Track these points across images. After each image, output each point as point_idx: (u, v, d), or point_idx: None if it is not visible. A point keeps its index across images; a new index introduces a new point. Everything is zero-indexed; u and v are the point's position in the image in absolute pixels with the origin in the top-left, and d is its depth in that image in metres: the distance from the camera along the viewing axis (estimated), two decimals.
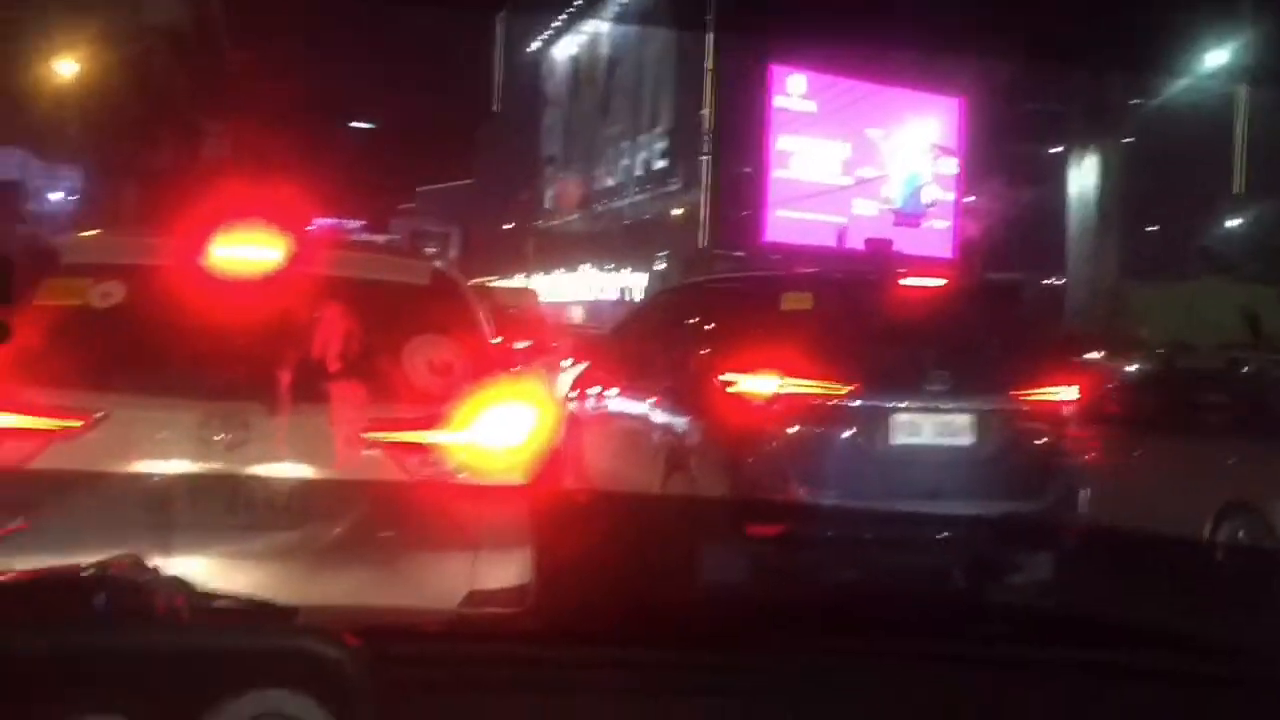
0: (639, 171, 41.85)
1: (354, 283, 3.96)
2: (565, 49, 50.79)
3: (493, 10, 57.62)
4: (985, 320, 6.72)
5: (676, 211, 37.80)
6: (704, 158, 36.54)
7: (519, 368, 4.96)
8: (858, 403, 5.97)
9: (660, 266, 38.81)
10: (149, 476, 3.57)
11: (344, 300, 3.78)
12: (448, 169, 67.19)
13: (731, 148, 35.32)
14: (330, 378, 3.64)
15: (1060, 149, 31.58)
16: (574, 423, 7.80)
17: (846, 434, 5.97)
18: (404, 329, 3.83)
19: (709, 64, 35.26)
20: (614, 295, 40.79)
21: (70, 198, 26.32)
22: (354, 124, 74.62)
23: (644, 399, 7.10)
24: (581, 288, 43.15)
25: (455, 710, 1.43)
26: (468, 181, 65.27)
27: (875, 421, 5.97)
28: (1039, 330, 7.37)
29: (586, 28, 47.72)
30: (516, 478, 3.81)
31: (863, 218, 35.33)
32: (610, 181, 44.65)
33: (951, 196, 37.25)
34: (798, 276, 7.71)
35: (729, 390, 6.07)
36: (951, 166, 37.39)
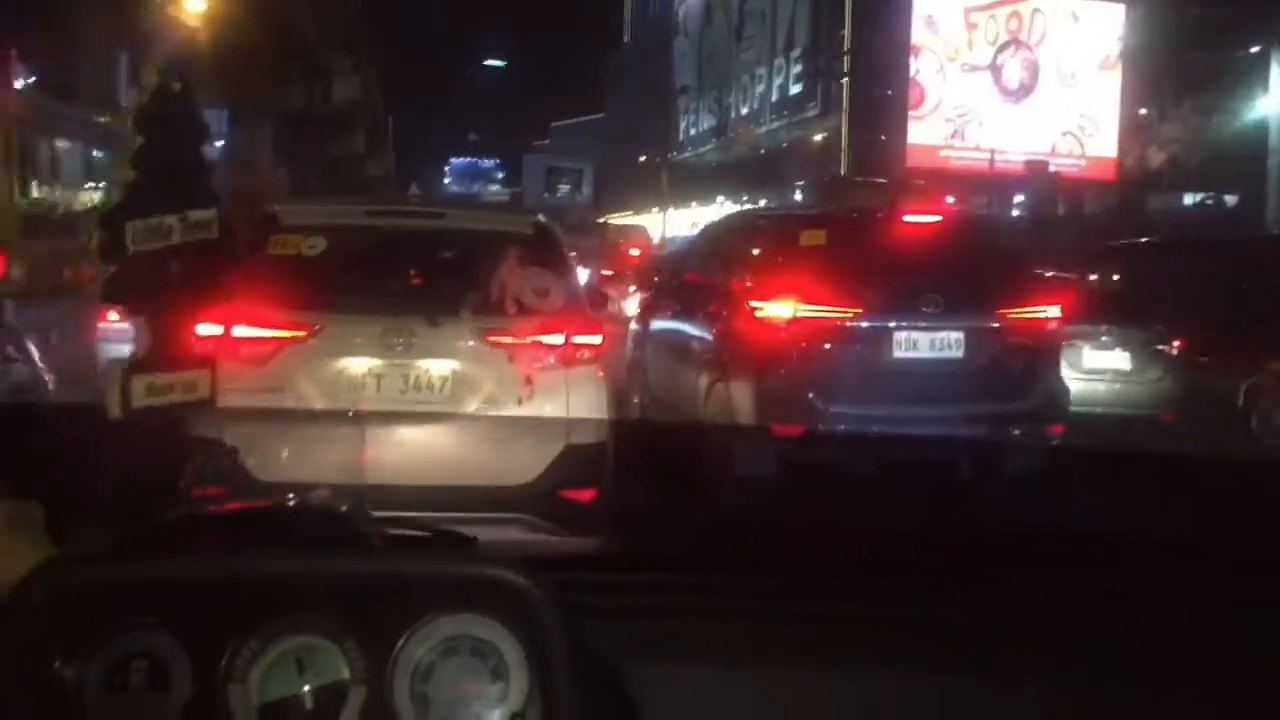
0: (775, 98, 40.30)
1: (480, 233, 5.71)
2: None
3: None
4: (976, 249, 7.66)
5: (821, 136, 36.18)
6: (843, 80, 34.82)
7: (602, 292, 7.49)
8: (863, 323, 6.95)
9: (798, 196, 37.49)
10: (351, 366, 5.18)
11: (474, 245, 5.58)
12: (580, 104, 66.63)
13: (872, 69, 33.54)
14: (466, 300, 5.28)
15: (1243, 52, 29.17)
16: (637, 337, 9.35)
17: (854, 349, 6.94)
18: (516, 265, 5.34)
19: None
20: None
21: (217, 144, 26.57)
22: (486, 62, 74.62)
23: (688, 319, 8.25)
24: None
25: (631, 634, 1.52)
26: (599, 116, 64.53)
27: (879, 338, 6.95)
28: (1025, 257, 8.36)
29: None
30: (594, 367, 5.37)
31: (1017, 137, 33.41)
32: (745, 109, 43.22)
33: (1115, 111, 34.85)
34: (814, 216, 9.48)
35: (757, 314, 7.10)
36: (1114, 78, 34.96)
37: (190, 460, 1.85)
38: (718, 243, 9.07)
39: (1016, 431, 7.05)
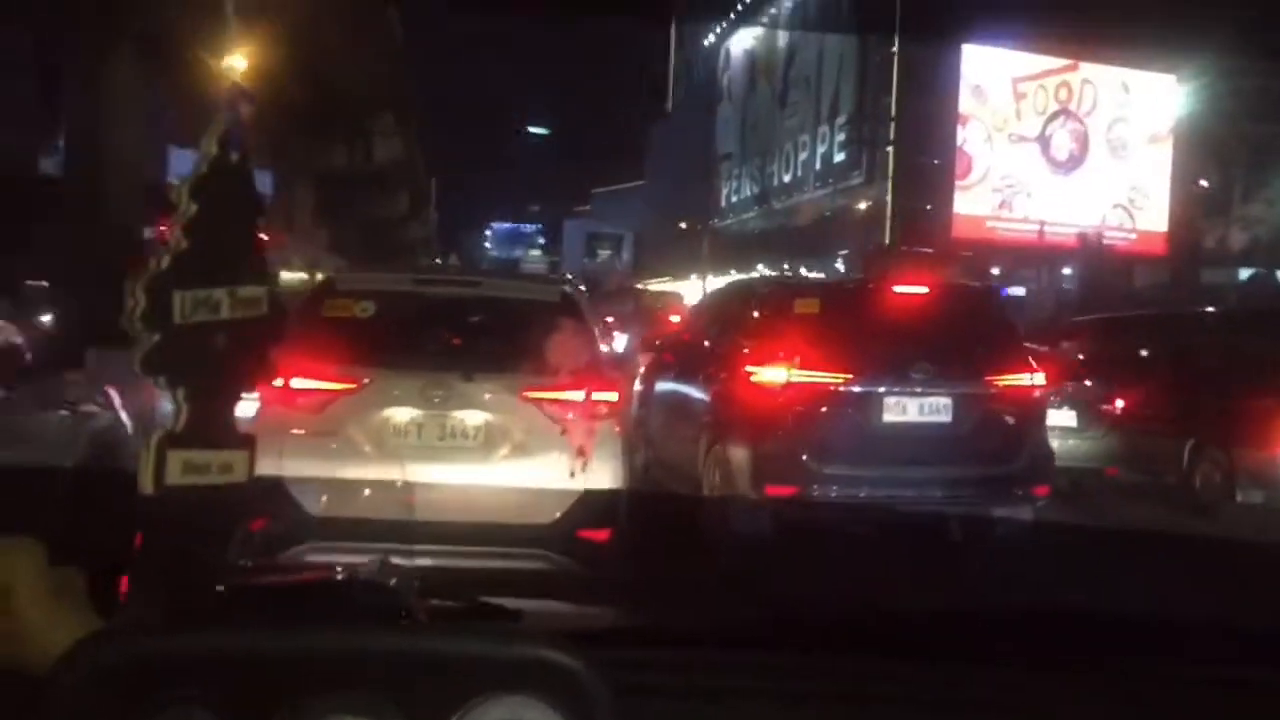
0: (818, 165, 39.96)
1: (512, 300, 6.38)
2: (740, 42, 49.30)
3: (666, 9, 56.89)
4: (963, 319, 7.91)
5: (865, 205, 35.68)
6: (888, 148, 34.42)
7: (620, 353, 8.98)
8: (855, 388, 7.29)
9: (840, 265, 36.98)
10: (396, 415, 5.72)
11: (506, 310, 6.24)
12: (622, 171, 66.88)
13: (918, 138, 33.14)
14: (498, 359, 5.91)
15: None
16: (642, 397, 9.73)
17: (846, 413, 7.27)
18: (544, 329, 5.95)
19: (895, 46, 33.10)
20: None
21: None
22: (530, 129, 75.27)
23: (689, 382, 8.68)
24: None
25: (681, 715, 1.53)
26: (640, 183, 64.67)
27: (869, 403, 7.28)
28: (1012, 326, 8.49)
29: (763, 18, 46.14)
30: (611, 422, 5.90)
31: (1065, 208, 32.81)
32: (788, 177, 42.92)
33: (1166, 183, 34.21)
34: (808, 286, 10.67)
35: (752, 379, 7.48)
36: (1165, 151, 34.36)
37: (240, 529, 1.83)
38: (718, 309, 9.74)
39: (1003, 494, 7.46)
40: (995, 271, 33.09)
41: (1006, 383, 7.57)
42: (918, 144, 33.00)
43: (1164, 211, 34.28)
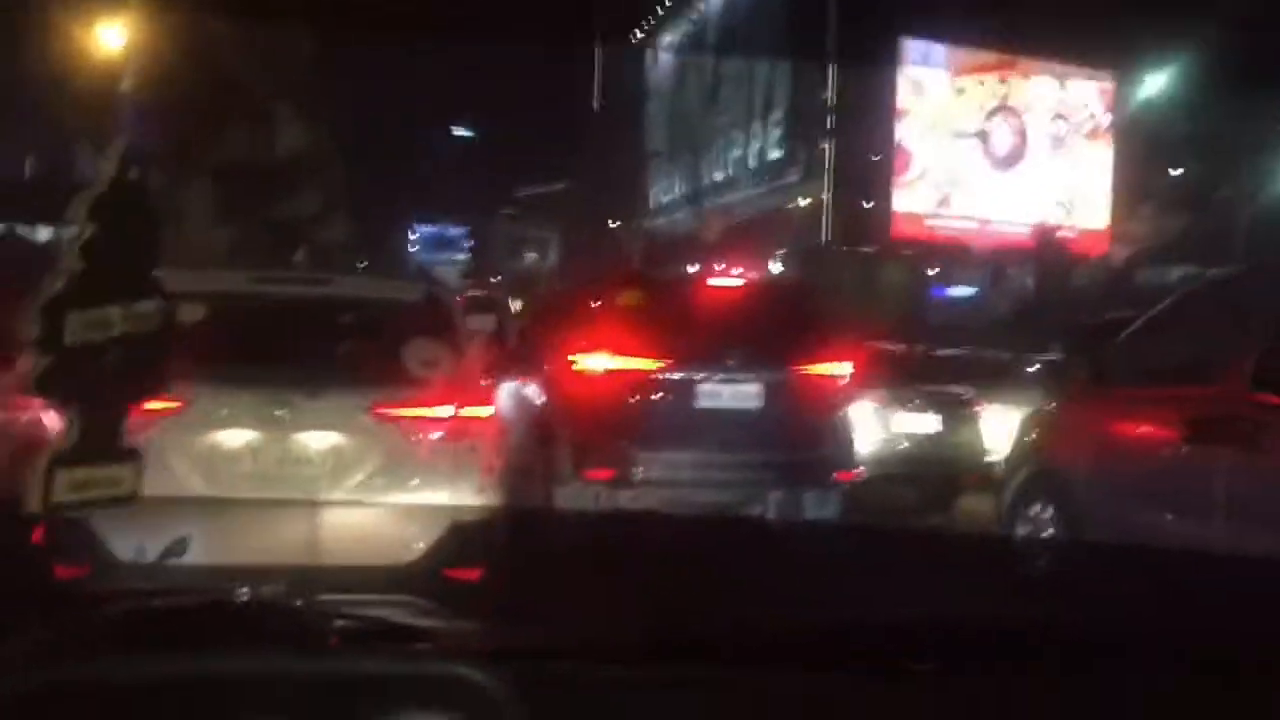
0: (752, 163, 38.60)
1: (368, 301, 5.81)
2: (668, 37, 47.90)
3: (591, 4, 55.42)
4: (776, 311, 8.17)
5: (802, 203, 34.40)
6: (826, 145, 33.16)
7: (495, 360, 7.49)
8: (671, 375, 7.56)
9: (777, 267, 35.67)
10: (226, 440, 5.01)
11: (361, 314, 5.74)
12: (548, 171, 65.27)
13: (856, 133, 31.94)
14: (350, 370, 5.34)
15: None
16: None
17: (662, 398, 7.53)
18: (406, 334, 5.29)
19: (830, 40, 31.84)
20: None
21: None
22: (455, 130, 73.34)
23: (544, 376, 8.46)
24: None
25: None
26: (566, 184, 63.23)
27: (684, 389, 7.55)
28: (821, 316, 8.68)
29: (691, 13, 44.74)
30: (483, 440, 5.31)
31: (1006, 206, 31.86)
32: (720, 175, 41.53)
33: (1107, 181, 33.43)
34: (632, 278, 10.76)
35: (574, 367, 7.67)
36: (1105, 148, 33.60)
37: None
38: (562, 305, 10.19)
39: (809, 476, 7.64)
40: (931, 272, 32.21)
41: (814, 371, 7.90)
42: (855, 140, 31.80)
43: (1104, 209, 33.52)
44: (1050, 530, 6.81)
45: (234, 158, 21.60)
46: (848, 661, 1.71)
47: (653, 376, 7.55)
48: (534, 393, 8.55)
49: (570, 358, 7.77)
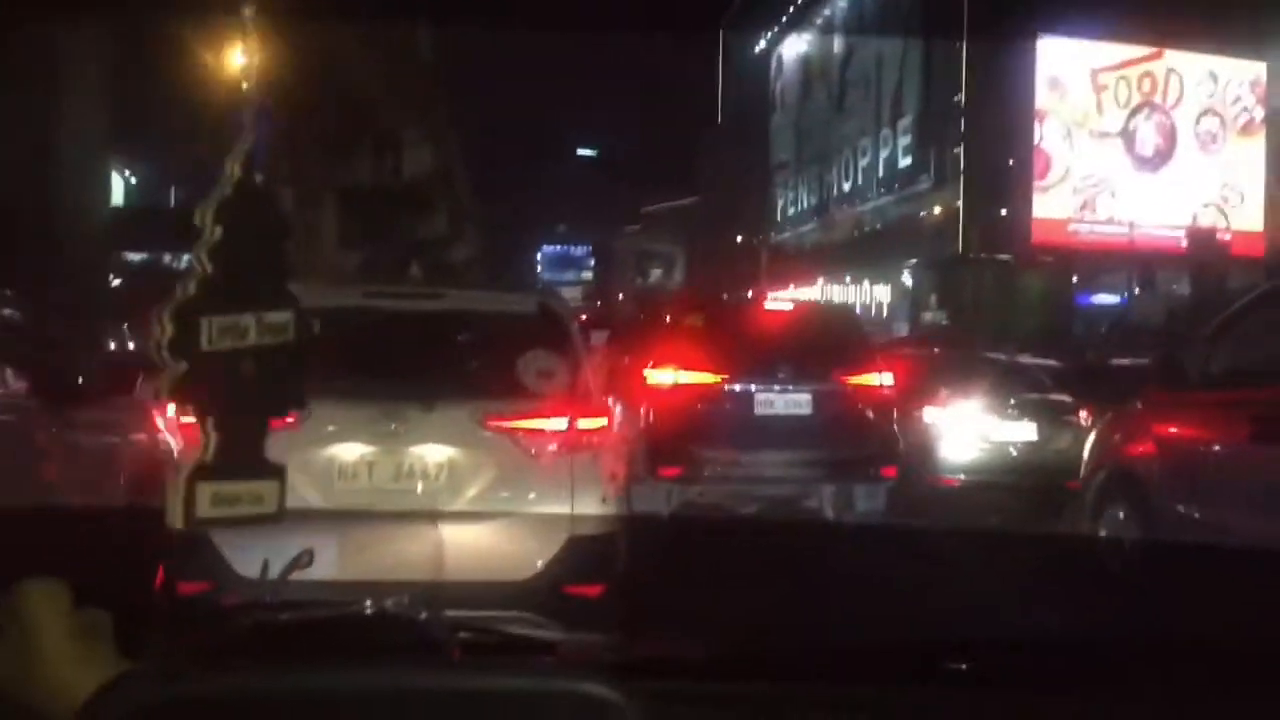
0: (881, 171, 37.61)
1: (481, 314, 5.71)
2: (792, 47, 47.16)
3: (713, 19, 55.06)
4: (820, 329, 9.55)
5: (935, 211, 33.30)
6: (958, 149, 32.03)
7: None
8: (731, 386, 8.67)
9: (908, 278, 34.65)
10: (341, 453, 4.91)
11: (474, 326, 5.67)
12: (673, 187, 65.13)
13: (991, 136, 30.74)
14: (465, 383, 5.25)
15: None
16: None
17: (724, 407, 8.61)
18: (519, 346, 5.14)
19: (963, 39, 30.73)
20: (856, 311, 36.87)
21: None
22: (579, 150, 73.84)
23: (623, 389, 8.64)
24: None
25: None
26: (692, 199, 62.95)
27: (744, 398, 8.64)
28: (864, 335, 10.07)
29: (816, 20, 43.94)
30: (601, 453, 5.14)
31: (1153, 208, 30.29)
32: (848, 185, 40.61)
33: (1260, 179, 31.54)
34: (695, 302, 12.86)
35: (648, 380, 8.62)
36: (1259, 144, 31.72)
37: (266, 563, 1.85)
38: (639, 323, 11.06)
39: (855, 473, 8.66)
40: (1075, 280, 30.81)
41: (857, 382, 8.87)
42: (990, 144, 30.59)
43: (1259, 209, 31.60)
44: (1129, 532, 6.96)
45: (363, 180, 21.76)
46: (962, 676, 1.71)
47: (714, 387, 8.62)
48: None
49: (644, 372, 8.71)
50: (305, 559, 1.99)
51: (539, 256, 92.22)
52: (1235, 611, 5.14)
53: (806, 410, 8.61)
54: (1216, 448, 6.57)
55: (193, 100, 16.66)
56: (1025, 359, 13.07)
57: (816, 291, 39.82)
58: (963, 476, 9.94)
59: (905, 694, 1.65)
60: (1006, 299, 29.89)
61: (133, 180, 30.30)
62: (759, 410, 8.57)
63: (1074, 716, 1.62)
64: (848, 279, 37.91)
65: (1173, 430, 6.96)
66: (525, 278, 76.25)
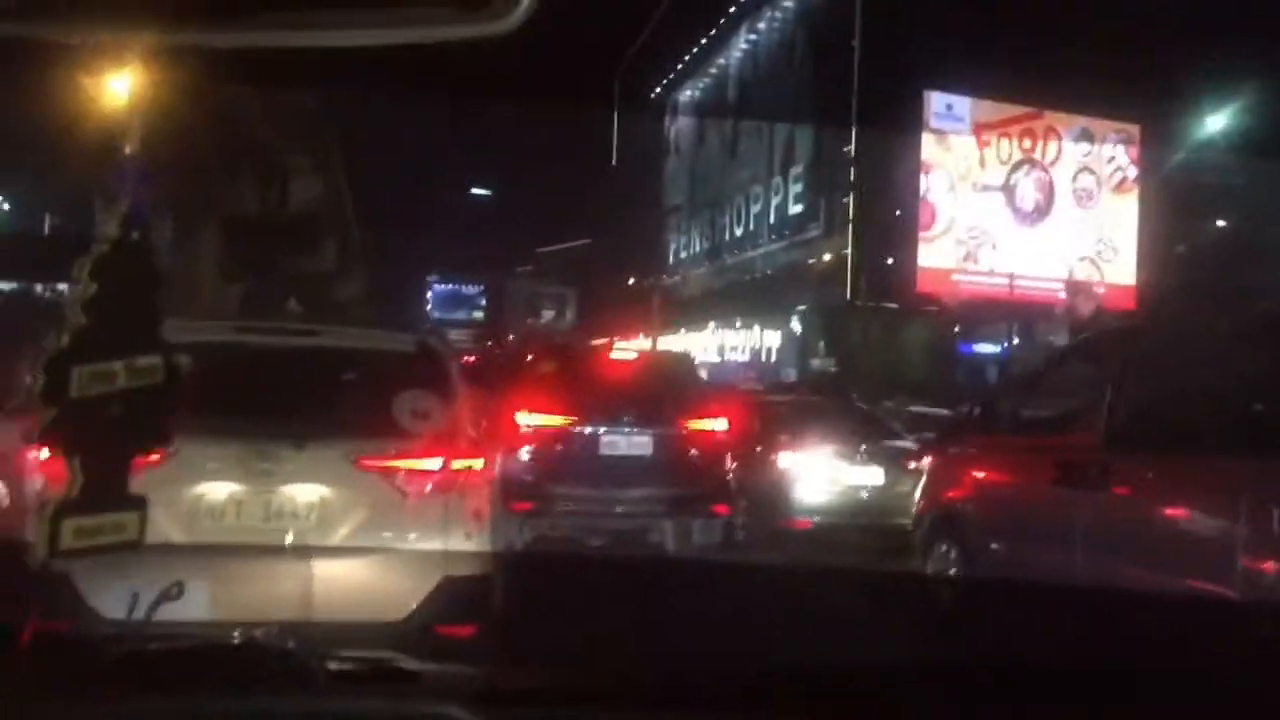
0: (773, 218, 38.09)
1: (357, 351, 5.62)
2: (687, 93, 47.72)
3: (610, 64, 55.43)
4: (661, 376, 10.36)
5: (825, 258, 33.77)
6: (848, 199, 32.62)
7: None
8: (579, 428, 9.29)
9: (797, 324, 35.03)
10: (209, 492, 4.84)
11: (350, 365, 5.54)
12: (567, 228, 65.08)
13: (880, 187, 31.41)
14: (338, 422, 5.04)
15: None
16: None
17: (571, 446, 9.19)
18: (395, 385, 5.13)
19: (853, 93, 31.41)
20: (745, 355, 37.09)
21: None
22: (473, 190, 73.41)
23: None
24: (710, 347, 39.61)
25: None
26: (585, 241, 62.95)
27: (589, 439, 9.26)
28: (701, 381, 11.18)
29: (710, 68, 44.55)
30: (476, 493, 5.10)
31: (1032, 261, 31.21)
32: (740, 230, 41.03)
33: (1133, 235, 32.78)
34: (550, 349, 13.17)
35: (505, 421, 8.90)
36: (1132, 201, 33.00)
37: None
38: (496, 367, 12.06)
39: (691, 509, 9.21)
40: (957, 330, 31.51)
41: (695, 426, 9.45)
42: (879, 193, 31.27)
43: (1132, 264, 32.84)
44: (952, 568, 7.42)
45: (246, 209, 21.11)
46: (833, 707, 1.74)
47: (564, 429, 9.19)
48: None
49: (501, 413, 9.05)
50: (174, 591, 2.01)
51: (429, 294, 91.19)
52: (1038, 645, 5.56)
53: (647, 451, 9.25)
54: (1023, 489, 6.98)
55: (68, 125, 16.00)
56: (917, 408, 13.85)
57: (708, 335, 40.04)
58: (816, 518, 10.55)
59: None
60: (892, 346, 30.42)
61: (5, 206, 28.99)
62: (604, 450, 9.17)
63: None
64: (738, 324, 38.15)
65: (987, 473, 7.49)
66: (415, 316, 75.28)
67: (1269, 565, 5.06)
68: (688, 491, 9.18)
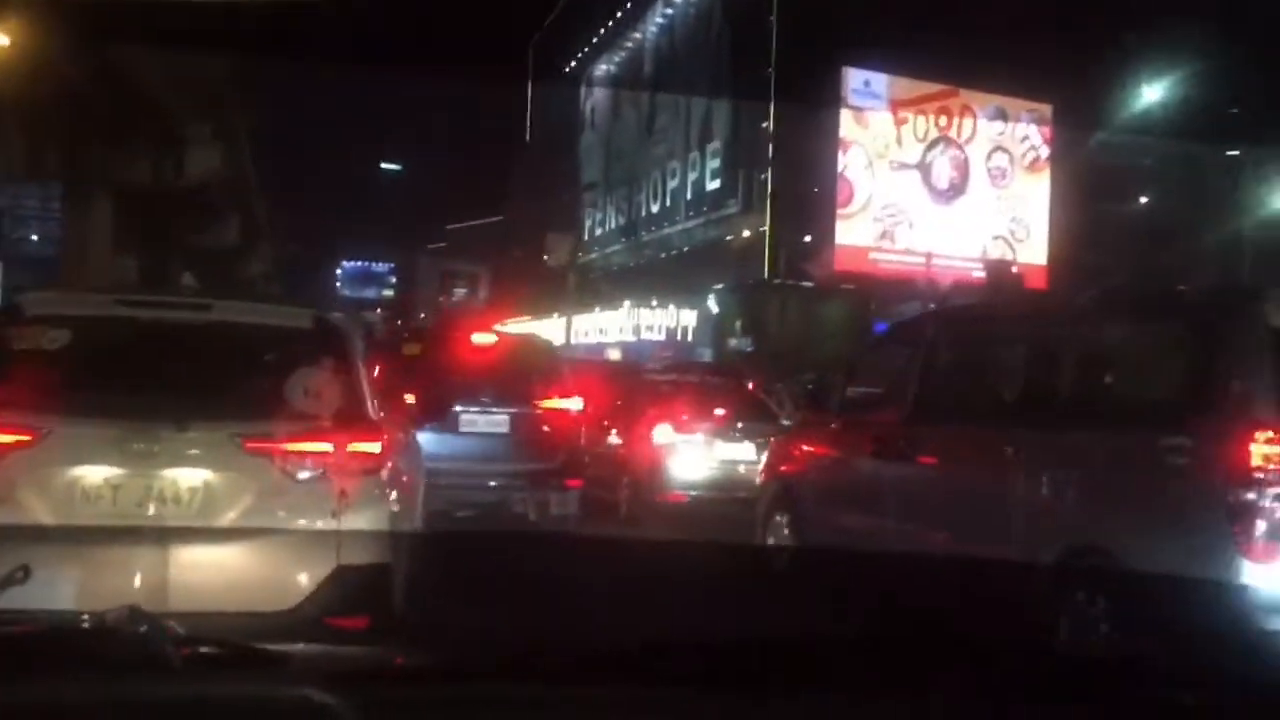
0: (690, 195, 37.70)
1: (249, 327, 5.24)
2: (603, 67, 47.06)
3: (523, 38, 54.52)
4: (519, 359, 10.76)
5: (744, 235, 33.49)
6: (766, 176, 32.35)
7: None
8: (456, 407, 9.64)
9: (714, 303, 34.75)
10: (85, 476, 4.60)
11: (240, 341, 5.16)
12: (480, 205, 64.15)
13: (798, 164, 31.17)
14: (228, 402, 4.84)
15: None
16: None
17: (436, 424, 8.86)
18: (290, 363, 4.90)
19: (771, 67, 31.10)
20: (661, 335, 36.71)
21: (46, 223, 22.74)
22: (384, 165, 71.82)
23: None
24: (626, 326, 39.16)
25: None
26: (499, 218, 62.12)
27: (452, 418, 9.54)
28: (559, 365, 11.22)
29: (626, 42, 43.93)
30: (373, 478, 4.91)
31: (947, 239, 31.30)
32: (656, 207, 40.58)
33: (1045, 214, 33.08)
34: (416, 334, 14.32)
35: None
36: (1044, 181, 33.28)
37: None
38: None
39: (546, 483, 9.72)
40: (872, 307, 31.48)
41: (549, 406, 10.07)
42: (797, 170, 31.04)
43: (1044, 244, 33.14)
44: (787, 538, 8.14)
45: (141, 178, 20.03)
46: (667, 676, 1.78)
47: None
48: None
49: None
50: (20, 575, 1.94)
51: (339, 272, 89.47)
52: (859, 612, 6.15)
53: (504, 429, 9.89)
54: (843, 463, 7.80)
55: None
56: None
57: (624, 314, 39.60)
58: (692, 493, 11.23)
59: (610, 692, 1.69)
60: (809, 325, 30.27)
61: None
62: (463, 429, 9.70)
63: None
64: (654, 302, 37.73)
65: (814, 449, 8.32)
66: (324, 293, 73.86)
67: (1037, 521, 5.79)
68: (543, 466, 9.81)
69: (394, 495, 5.14)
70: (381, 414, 5.23)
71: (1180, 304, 6.22)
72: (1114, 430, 5.57)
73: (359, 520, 4.75)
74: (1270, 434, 4.92)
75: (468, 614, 5.26)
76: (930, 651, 2.31)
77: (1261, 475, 4.88)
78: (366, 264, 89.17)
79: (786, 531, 8.09)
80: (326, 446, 4.75)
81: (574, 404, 10.26)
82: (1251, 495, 4.89)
